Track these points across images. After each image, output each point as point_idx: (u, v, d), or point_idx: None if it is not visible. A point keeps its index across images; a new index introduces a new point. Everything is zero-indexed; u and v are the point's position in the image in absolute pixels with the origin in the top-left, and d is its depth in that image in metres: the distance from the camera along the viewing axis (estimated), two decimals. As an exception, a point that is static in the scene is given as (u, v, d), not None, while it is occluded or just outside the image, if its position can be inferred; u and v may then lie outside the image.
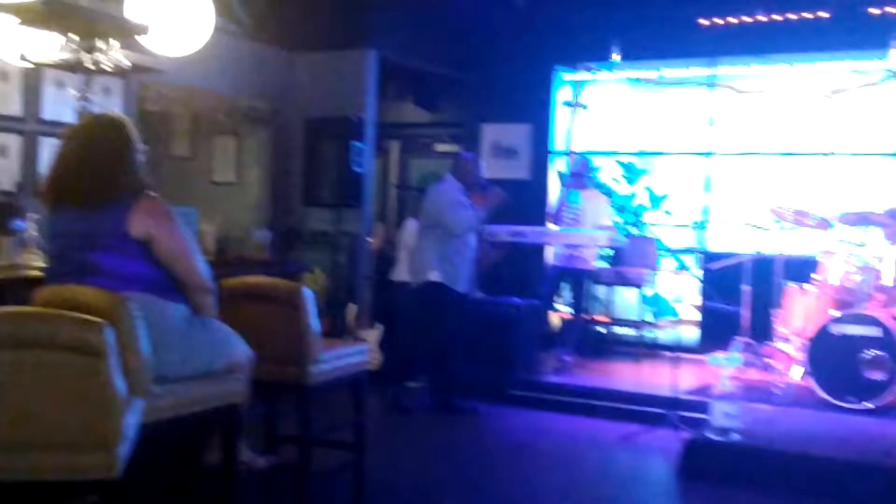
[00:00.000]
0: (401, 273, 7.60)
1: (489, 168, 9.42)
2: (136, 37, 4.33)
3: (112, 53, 4.23)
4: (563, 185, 8.19)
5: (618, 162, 9.03)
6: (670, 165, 8.87)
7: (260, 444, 4.24)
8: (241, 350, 3.34)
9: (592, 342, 8.35)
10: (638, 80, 9.01)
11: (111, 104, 5.70)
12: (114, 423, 2.55)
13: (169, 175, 7.52)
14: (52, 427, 2.54)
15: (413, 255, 6.84)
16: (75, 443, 2.55)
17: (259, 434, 4.24)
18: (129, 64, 4.28)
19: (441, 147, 10.90)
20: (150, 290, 3.04)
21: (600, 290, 8.66)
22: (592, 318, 8.56)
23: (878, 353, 6.01)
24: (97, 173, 3.07)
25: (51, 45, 4.42)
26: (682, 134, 8.78)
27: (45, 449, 2.55)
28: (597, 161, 8.96)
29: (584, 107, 9.25)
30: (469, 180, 6.65)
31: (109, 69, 4.27)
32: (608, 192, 8.84)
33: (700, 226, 8.62)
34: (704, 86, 8.66)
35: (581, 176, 7.98)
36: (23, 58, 4.56)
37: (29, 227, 4.64)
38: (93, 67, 4.22)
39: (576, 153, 8.97)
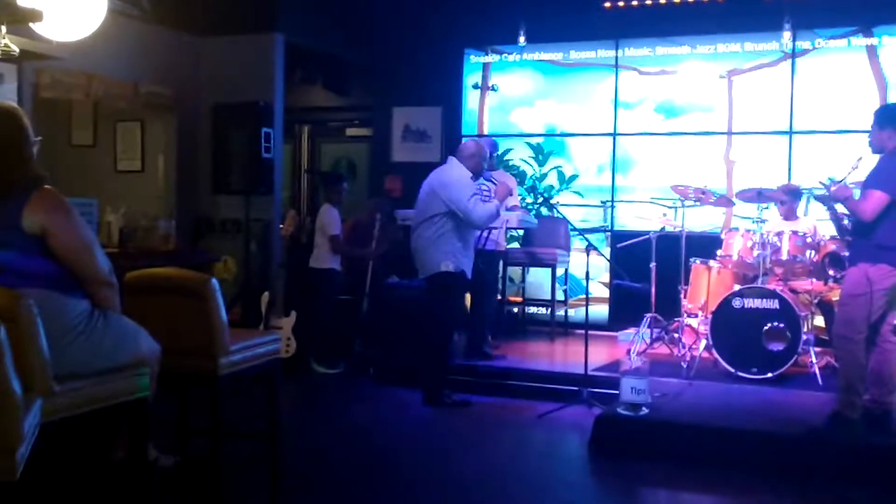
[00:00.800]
0: (320, 259, 7.55)
1: (400, 151, 9.46)
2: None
3: (1, 39, 4.08)
4: None
5: (527, 143, 9.11)
6: (579, 146, 8.99)
7: (168, 441, 4.18)
8: (146, 344, 3.28)
9: (506, 323, 8.43)
10: (545, 62, 9.10)
11: (5, 91, 5.51)
12: (12, 425, 2.49)
13: (70, 164, 7.32)
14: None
15: (418, 246, 6.35)
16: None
17: (167, 431, 4.18)
18: (17, 50, 4.13)
19: (352, 131, 10.86)
20: (49, 286, 2.96)
21: (513, 271, 8.75)
22: (506, 299, 8.65)
23: (778, 324, 6.22)
24: None
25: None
26: (589, 115, 8.90)
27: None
28: (507, 143, 9.04)
29: (495, 89, 9.31)
30: (480, 168, 6.44)
31: (-2, 55, 4.12)
32: (519, 174, 8.92)
33: (608, 205, 8.77)
34: (609, 68, 8.80)
35: (489, 157, 8.02)
36: None
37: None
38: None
39: (483, 136, 9.02)
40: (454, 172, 6.37)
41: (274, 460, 4.18)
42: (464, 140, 8.35)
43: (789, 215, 6.97)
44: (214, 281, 3.76)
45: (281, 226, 7.62)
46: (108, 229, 6.44)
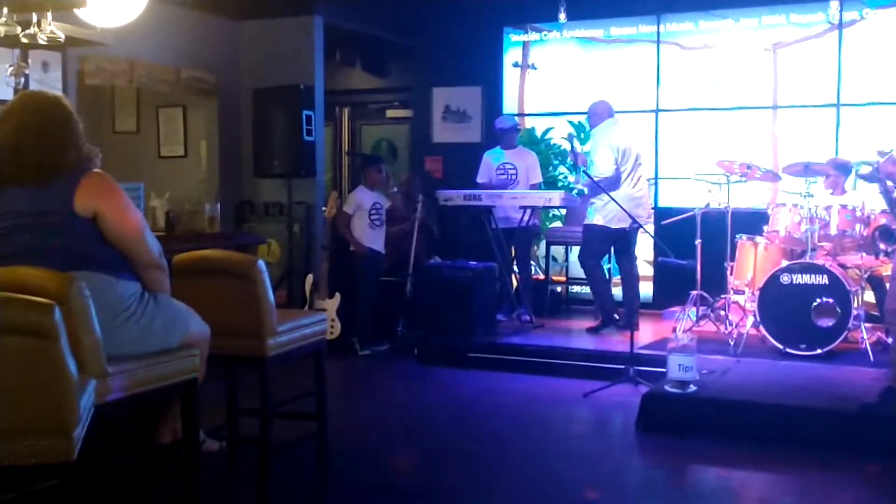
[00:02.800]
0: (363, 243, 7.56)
1: (441, 132, 9.44)
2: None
3: (46, 27, 4.11)
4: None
5: (569, 122, 9.03)
6: (621, 124, 8.90)
7: (214, 423, 4.21)
8: (196, 326, 3.30)
9: (549, 302, 8.41)
10: (585, 39, 9.01)
11: (50, 79, 5.58)
12: (68, 406, 2.51)
13: (114, 151, 7.39)
14: (5, 412, 2.50)
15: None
16: (30, 427, 2.50)
17: (216, 413, 4.22)
18: (63, 37, 4.16)
19: (392, 112, 10.85)
20: (100, 269, 2.99)
21: (555, 250, 8.71)
22: (549, 278, 8.62)
23: (827, 300, 6.12)
24: (40, 151, 2.99)
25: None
26: (631, 92, 8.80)
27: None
28: (548, 122, 8.98)
29: (534, 67, 9.24)
30: None
31: (44, 43, 4.15)
32: (561, 153, 8.86)
33: (651, 182, 8.67)
34: (651, 43, 8.69)
35: (510, 135, 8.02)
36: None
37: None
38: (26, 41, 4.10)
39: (523, 115, 8.98)
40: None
41: (322, 440, 4.21)
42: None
43: (837, 189, 6.85)
44: (261, 262, 3.78)
45: (323, 208, 7.65)
46: (153, 214, 6.50)
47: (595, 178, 6.75)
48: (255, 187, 7.84)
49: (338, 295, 7.26)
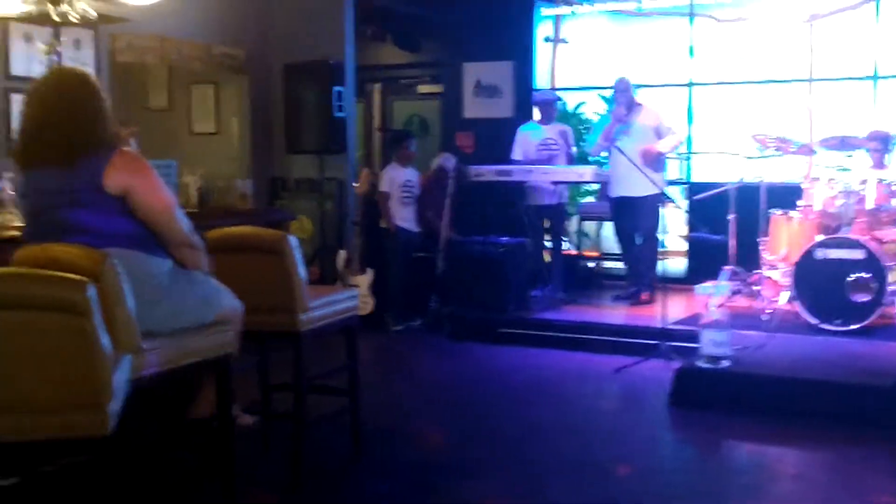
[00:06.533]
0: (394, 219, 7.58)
1: (472, 107, 9.39)
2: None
3: (78, 4, 4.13)
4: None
5: (601, 96, 8.97)
6: (653, 97, 8.82)
7: (247, 399, 4.25)
8: (229, 302, 3.32)
9: (582, 277, 8.38)
10: (617, 12, 8.91)
11: (81, 56, 5.60)
12: (102, 381, 2.55)
13: (147, 128, 7.42)
14: (42, 387, 2.54)
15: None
16: (65, 402, 2.55)
17: (248, 388, 4.25)
18: (95, 14, 4.18)
19: (423, 88, 10.81)
20: (132, 245, 3.01)
21: (589, 226, 8.67)
22: (581, 254, 8.59)
23: (863, 275, 6.05)
24: (68, 129, 3.01)
25: (15, -1, 4.33)
26: (664, 65, 8.71)
27: (35, 409, 2.55)
28: (580, 96, 8.91)
29: (565, 42, 9.17)
30: None
31: (76, 20, 4.17)
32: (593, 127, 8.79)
33: (684, 157, 8.59)
34: (684, 16, 8.58)
35: (550, 108, 7.96)
36: (-12, 11, 4.46)
37: (5, 186, 4.58)
38: (58, 19, 4.13)
39: (555, 89, 8.91)
40: None
41: (355, 415, 4.24)
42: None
43: (877, 163, 6.74)
44: (292, 237, 3.79)
45: (355, 184, 7.66)
46: (186, 190, 6.54)
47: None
48: (286, 164, 7.85)
49: (370, 271, 7.29)
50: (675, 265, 8.66)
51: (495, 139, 8.50)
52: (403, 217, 7.61)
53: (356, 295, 4.31)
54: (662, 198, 6.99)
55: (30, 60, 5.38)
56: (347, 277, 7.16)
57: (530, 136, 7.90)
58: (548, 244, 7.94)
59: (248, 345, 3.69)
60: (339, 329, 4.13)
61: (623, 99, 7.29)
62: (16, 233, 3.47)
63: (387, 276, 7.46)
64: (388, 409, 5.11)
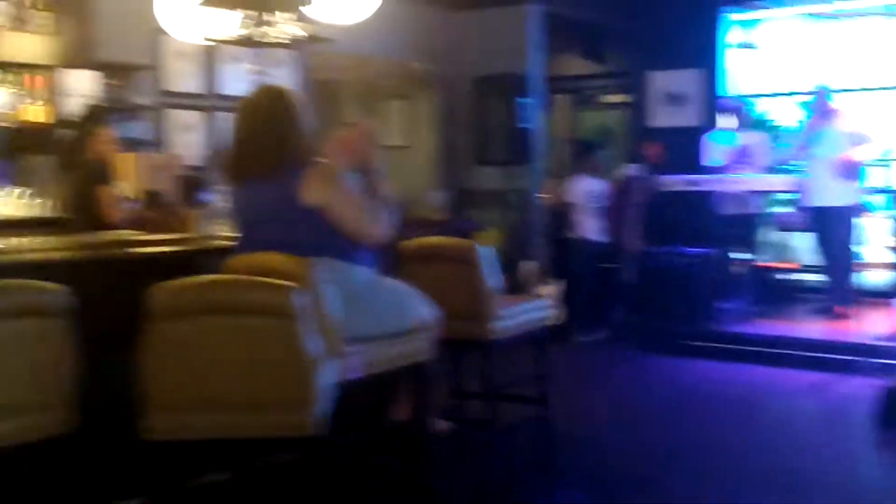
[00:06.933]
0: (574, 228, 7.56)
1: (658, 116, 9.24)
2: (303, 8, 4.43)
3: (285, 26, 4.35)
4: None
5: (797, 103, 8.61)
6: (853, 102, 8.39)
7: (441, 407, 4.33)
8: (427, 310, 3.39)
9: (774, 290, 8.08)
10: (811, 14, 8.53)
11: (284, 76, 5.89)
12: (309, 383, 2.67)
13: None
14: (251, 387, 2.69)
15: None
16: (273, 402, 2.69)
17: (442, 395, 4.34)
18: (306, 35, 4.40)
19: (609, 98, 10.72)
20: (335, 255, 3.12)
21: (785, 237, 8.36)
22: (776, 266, 8.28)
23: None
24: (272, 144, 3.15)
25: (228, 23, 4.58)
26: (864, 68, 8.27)
27: (245, 408, 2.70)
28: (772, 102, 8.59)
29: (754, 47, 8.88)
30: None
31: (286, 41, 4.40)
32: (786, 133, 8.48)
33: (888, 163, 8.12)
34: (888, 14, 8.12)
35: (743, 115, 7.74)
36: (206, 38, 4.75)
37: (216, 199, 4.87)
38: (268, 41, 4.36)
39: (745, 97, 8.64)
40: None
41: (547, 423, 4.25)
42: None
43: None
44: (481, 247, 3.86)
45: (541, 195, 7.70)
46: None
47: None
48: (474, 175, 7.98)
49: (557, 281, 7.29)
50: (878, 278, 8.20)
51: (682, 148, 8.33)
52: (590, 228, 7.58)
53: (548, 305, 4.35)
54: (860, 208, 6.68)
55: (237, 81, 5.72)
56: (535, 288, 7.19)
57: (724, 144, 7.70)
58: (739, 255, 7.70)
59: (441, 352, 3.77)
60: (530, 338, 4.16)
61: (819, 106, 7.01)
62: (226, 243, 3.67)
63: (573, 286, 7.44)
64: (577, 420, 5.08)
